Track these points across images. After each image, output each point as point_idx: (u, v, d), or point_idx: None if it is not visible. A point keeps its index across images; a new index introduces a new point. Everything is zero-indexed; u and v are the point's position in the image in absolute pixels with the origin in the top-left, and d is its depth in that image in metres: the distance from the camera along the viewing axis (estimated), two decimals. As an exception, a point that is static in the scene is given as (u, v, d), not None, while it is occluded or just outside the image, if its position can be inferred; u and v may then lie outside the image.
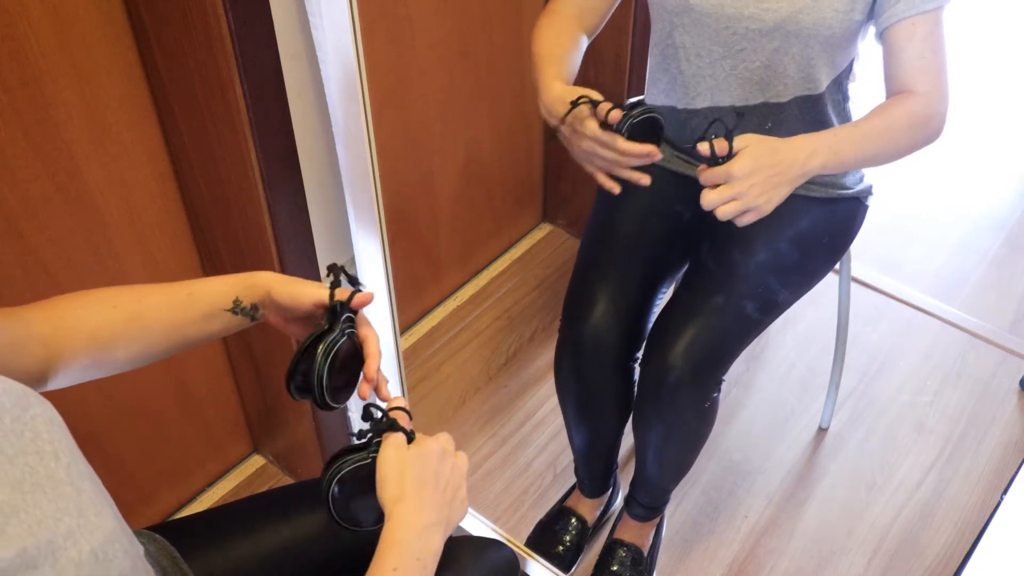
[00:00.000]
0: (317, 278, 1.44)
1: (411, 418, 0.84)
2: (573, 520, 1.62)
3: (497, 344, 2.01)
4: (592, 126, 1.12)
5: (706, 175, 1.09)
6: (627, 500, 1.57)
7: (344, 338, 0.84)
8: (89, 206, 1.24)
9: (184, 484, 1.67)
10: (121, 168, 1.25)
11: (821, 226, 1.39)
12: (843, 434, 1.84)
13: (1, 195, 1.13)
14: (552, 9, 1.33)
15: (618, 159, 1.12)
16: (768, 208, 1.11)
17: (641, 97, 1.50)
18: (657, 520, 1.59)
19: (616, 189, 1.16)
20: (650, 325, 1.41)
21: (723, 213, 1.08)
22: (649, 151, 1.11)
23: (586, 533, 1.63)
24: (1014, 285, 2.17)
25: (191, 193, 1.34)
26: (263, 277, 0.89)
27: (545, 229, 2.28)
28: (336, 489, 0.79)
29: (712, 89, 1.32)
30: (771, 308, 1.36)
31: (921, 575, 1.61)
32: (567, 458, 1.73)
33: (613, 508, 1.68)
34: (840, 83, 1.34)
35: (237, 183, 1.25)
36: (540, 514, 1.67)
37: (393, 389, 1.38)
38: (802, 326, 2.04)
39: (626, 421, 1.49)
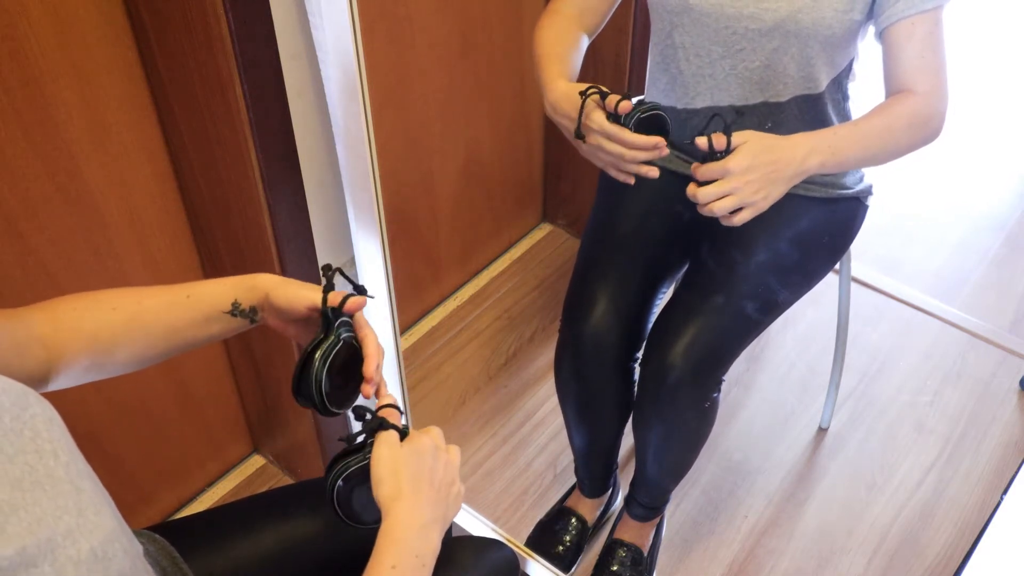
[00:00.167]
0: (317, 279, 1.44)
1: (402, 413, 0.84)
2: (573, 520, 1.62)
3: (497, 344, 2.01)
4: (599, 118, 1.11)
5: (702, 170, 1.09)
6: (627, 500, 1.56)
7: (341, 344, 0.84)
8: (89, 206, 1.24)
9: (184, 484, 1.67)
10: (121, 168, 1.25)
11: (821, 226, 1.39)
12: (843, 434, 1.84)
13: (1, 195, 1.13)
14: (552, 9, 1.33)
15: (624, 153, 1.12)
16: (764, 205, 1.11)
17: (641, 97, 1.50)
18: (657, 520, 1.59)
19: (631, 179, 1.16)
20: (650, 325, 1.41)
21: (717, 208, 1.08)
22: (657, 142, 1.10)
23: (586, 533, 1.63)
24: (1014, 285, 2.17)
25: (191, 193, 1.34)
26: (262, 279, 0.89)
27: (545, 229, 2.28)
28: (341, 493, 0.80)
29: (712, 89, 1.32)
30: (771, 308, 1.36)
31: (921, 575, 1.61)
32: (567, 458, 1.73)
33: (613, 508, 1.68)
34: (840, 83, 1.34)
35: (237, 183, 1.25)
36: (540, 514, 1.67)
37: (392, 389, 1.38)
38: (802, 326, 2.04)
39: (626, 421, 1.49)
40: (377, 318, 1.31)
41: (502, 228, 2.16)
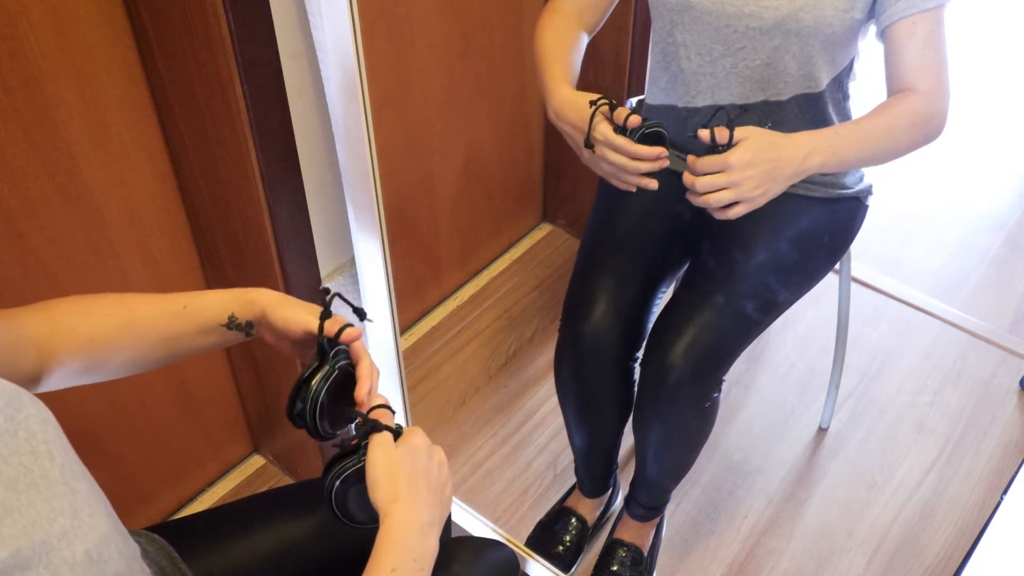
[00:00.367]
0: (317, 279, 1.44)
1: (394, 412, 0.84)
2: (573, 520, 1.62)
3: (497, 344, 2.01)
4: (606, 129, 1.12)
5: (702, 162, 1.09)
6: (627, 500, 1.56)
7: (336, 372, 0.84)
8: (89, 206, 1.24)
9: (184, 484, 1.67)
10: (121, 168, 1.25)
11: (821, 226, 1.39)
12: (843, 434, 1.84)
13: (1, 195, 1.13)
14: (552, 8, 1.33)
15: (626, 163, 1.13)
16: (761, 202, 1.11)
17: (642, 97, 1.50)
18: (657, 520, 1.59)
19: (632, 188, 1.17)
20: (650, 325, 1.41)
21: (713, 200, 1.09)
22: (659, 153, 1.12)
23: (586, 533, 1.63)
24: (1014, 285, 2.17)
25: (191, 193, 1.34)
26: (261, 295, 0.89)
27: (545, 229, 2.28)
28: (339, 494, 0.80)
29: (712, 87, 1.32)
30: (771, 308, 1.36)
31: (921, 575, 1.61)
32: (567, 458, 1.73)
33: (613, 508, 1.68)
34: (840, 82, 1.34)
35: (237, 183, 1.25)
36: (540, 514, 1.67)
37: (392, 389, 1.38)
38: (802, 326, 2.04)
39: (626, 421, 1.49)
40: (377, 318, 1.31)
41: (502, 228, 2.16)
